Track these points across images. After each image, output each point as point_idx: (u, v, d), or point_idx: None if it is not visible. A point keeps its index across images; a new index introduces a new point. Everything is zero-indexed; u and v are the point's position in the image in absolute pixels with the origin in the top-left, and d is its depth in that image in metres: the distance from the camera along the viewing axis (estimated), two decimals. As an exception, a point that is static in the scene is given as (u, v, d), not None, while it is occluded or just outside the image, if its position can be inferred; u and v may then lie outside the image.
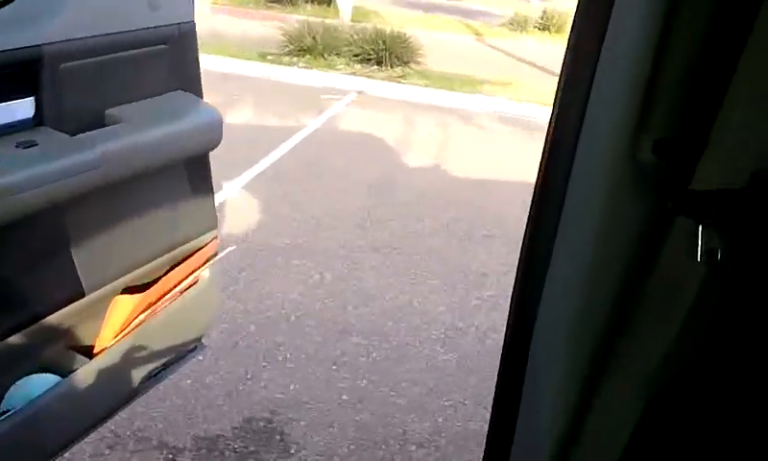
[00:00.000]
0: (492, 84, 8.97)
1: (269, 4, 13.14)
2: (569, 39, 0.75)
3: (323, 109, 7.14)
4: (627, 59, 0.66)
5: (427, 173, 5.74)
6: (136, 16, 1.59)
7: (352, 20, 11.36)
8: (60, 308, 1.53)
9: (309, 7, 13.15)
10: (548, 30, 14.92)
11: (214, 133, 1.78)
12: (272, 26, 9.96)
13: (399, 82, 8.62)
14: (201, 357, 2.87)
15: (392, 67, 8.95)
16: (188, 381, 2.79)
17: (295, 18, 10.39)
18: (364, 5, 13.11)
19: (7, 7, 1.35)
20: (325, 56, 9.03)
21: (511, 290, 3.32)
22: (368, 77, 8.64)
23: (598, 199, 0.73)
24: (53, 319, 1.52)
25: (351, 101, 7.69)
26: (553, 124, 0.78)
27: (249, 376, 2.93)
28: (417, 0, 17.15)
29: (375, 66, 8.95)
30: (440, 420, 2.80)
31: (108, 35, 1.51)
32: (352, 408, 2.80)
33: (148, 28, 1.62)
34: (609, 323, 0.79)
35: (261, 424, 2.67)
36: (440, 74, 9.09)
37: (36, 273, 1.49)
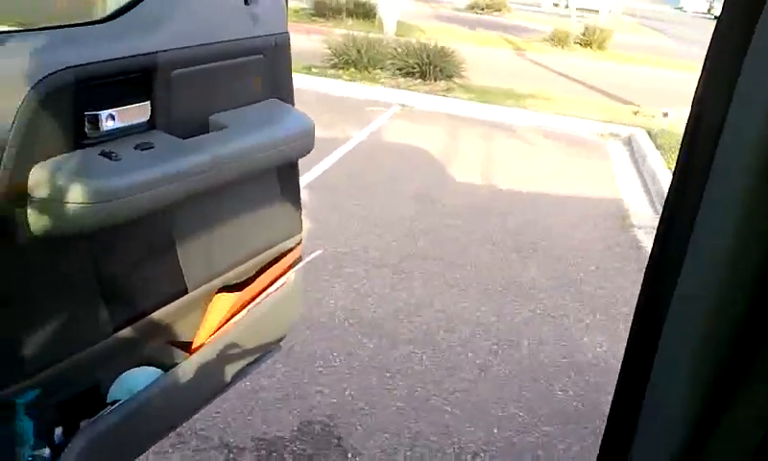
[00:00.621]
0: (534, 99, 8.95)
1: (313, 18, 13.33)
2: (712, 40, 0.76)
3: (368, 121, 7.21)
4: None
5: (473, 185, 5.75)
6: (238, 27, 1.65)
7: (396, 34, 11.46)
8: (165, 305, 1.58)
9: (351, 21, 13.30)
10: (590, 46, 14.86)
11: (307, 139, 1.83)
12: (316, 39, 10.08)
13: (443, 95, 8.65)
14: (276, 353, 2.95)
15: (435, 81, 9.00)
16: (247, 384, 2.83)
17: (338, 32, 10.51)
18: (407, 20, 13.21)
19: (125, 16, 1.42)
20: (370, 69, 9.12)
21: (558, 304, 3.35)
22: (411, 90, 8.69)
23: (735, 210, 0.73)
24: (157, 315, 1.57)
25: (395, 113, 7.75)
26: (691, 129, 0.78)
27: (305, 381, 2.96)
28: (458, 16, 17.23)
29: (419, 80, 9.01)
30: (495, 431, 2.79)
31: (214, 44, 1.57)
32: (408, 416, 2.81)
33: (249, 38, 1.68)
34: (738, 343, 0.78)
35: (318, 427, 2.69)
36: (483, 88, 9.11)
37: (146, 270, 1.54)
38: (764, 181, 0.70)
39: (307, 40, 10.60)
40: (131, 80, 1.40)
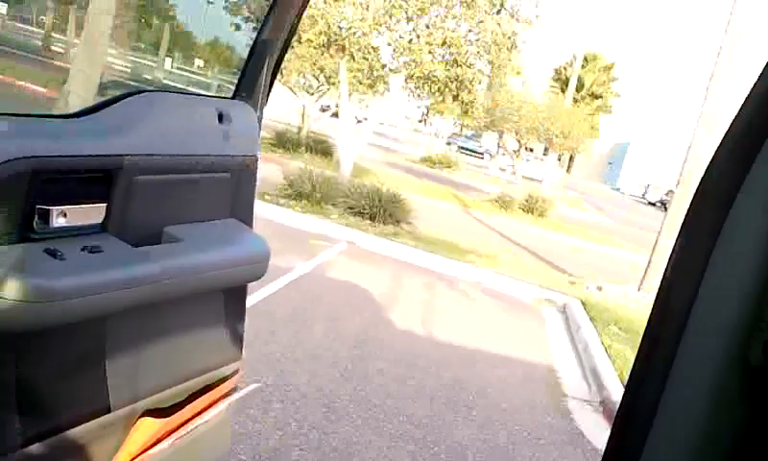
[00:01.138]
0: (477, 255, 9.19)
1: (273, 147, 13.65)
2: (682, 228, 0.77)
3: (313, 255, 7.22)
4: (742, 259, 0.69)
5: (411, 334, 5.73)
6: (209, 143, 1.65)
7: (351, 175, 11.78)
8: (84, 422, 1.46)
9: (309, 156, 13.66)
10: (531, 212, 15.57)
11: (261, 265, 1.79)
12: (273, 169, 10.26)
13: (390, 239, 8.81)
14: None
15: (384, 224, 9.19)
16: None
17: (294, 164, 10.75)
18: (363, 163, 13.64)
19: (94, 115, 1.40)
20: (322, 204, 9.27)
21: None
22: (360, 229, 8.82)
23: (701, 400, 0.73)
24: (76, 431, 1.44)
25: (342, 250, 7.80)
26: (656, 314, 0.78)
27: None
28: (412, 167, 17.91)
29: (368, 221, 9.18)
30: None
31: (182, 156, 1.56)
32: None
33: (218, 155, 1.67)
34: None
35: None
36: (428, 237, 9.33)
37: (68, 381, 1.43)
38: (726, 387, 0.70)
39: (263, 168, 10.77)
40: (89, 179, 1.36)
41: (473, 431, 4.16)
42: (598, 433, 4.58)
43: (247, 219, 1.82)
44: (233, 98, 1.82)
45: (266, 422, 3.59)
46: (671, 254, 0.79)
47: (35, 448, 1.36)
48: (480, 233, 11.41)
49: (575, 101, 36.28)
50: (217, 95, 1.83)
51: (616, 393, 5.05)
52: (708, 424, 0.73)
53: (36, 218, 1.26)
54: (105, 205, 1.39)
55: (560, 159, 35.35)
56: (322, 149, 14.56)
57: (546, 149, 30.98)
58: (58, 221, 1.29)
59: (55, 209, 1.28)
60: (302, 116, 16.04)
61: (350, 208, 9.33)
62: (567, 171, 40.68)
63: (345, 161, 12.25)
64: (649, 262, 8.91)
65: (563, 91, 36.58)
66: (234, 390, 1.91)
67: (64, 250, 1.28)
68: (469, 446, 3.96)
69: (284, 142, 14.33)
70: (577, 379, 5.67)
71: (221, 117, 1.68)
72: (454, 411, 4.38)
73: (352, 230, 8.75)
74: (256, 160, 1.81)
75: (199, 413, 1.78)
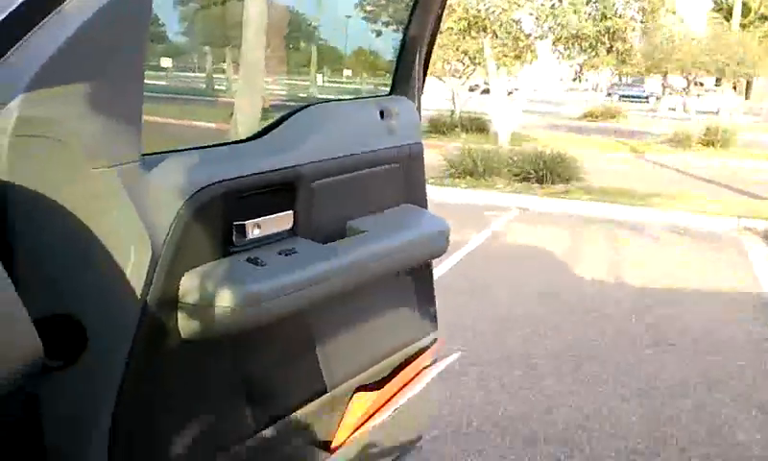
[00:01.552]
0: (659, 197, 8.67)
1: (429, 134, 13.79)
2: None
3: (486, 225, 7.20)
4: None
5: (601, 283, 5.53)
6: (375, 139, 1.76)
7: (510, 144, 11.60)
8: (305, 404, 1.61)
9: (465, 135, 13.64)
10: (712, 145, 14.37)
11: (441, 241, 1.89)
12: (432, 153, 10.36)
13: (562, 197, 8.55)
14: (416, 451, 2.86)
15: (553, 184, 8.94)
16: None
17: (453, 146, 10.76)
18: (520, 131, 13.38)
19: (269, 135, 1.56)
20: (486, 177, 9.21)
21: (709, 401, 3.06)
22: (529, 194, 8.66)
23: None
24: (297, 414, 1.60)
25: (515, 217, 7.70)
26: None
27: (436, 480, 2.83)
28: (572, 125, 17.26)
29: (536, 184, 8.98)
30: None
31: (351, 156, 1.68)
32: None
33: (384, 148, 1.78)
34: None
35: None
36: (603, 189, 8.93)
37: (287, 370, 1.59)
38: None
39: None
40: (275, 191, 1.49)
41: (688, 366, 3.93)
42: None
43: (421, 202, 1.92)
44: (390, 94, 1.93)
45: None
46: None
47: (267, 432, 1.52)
48: (658, 176, 10.74)
49: (743, 26, 33.37)
50: (375, 95, 1.95)
51: None
52: None
53: (234, 233, 1.40)
54: (291, 212, 1.52)
55: (735, 88, 32.48)
56: (476, 126, 14.48)
57: (718, 80, 28.73)
58: (253, 232, 1.42)
59: (249, 223, 1.41)
60: (452, 100, 16.03)
61: (515, 176, 9.18)
62: (746, 98, 37.19)
63: (502, 133, 12.09)
64: None
65: (726, 20, 33.63)
66: (435, 360, 2.00)
67: (263, 257, 1.42)
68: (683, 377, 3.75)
69: (439, 127, 14.41)
70: (795, 302, 5.17)
71: (382, 114, 1.78)
72: (657, 347, 4.16)
73: (521, 195, 8.61)
74: (421, 147, 1.91)
75: (406, 384, 1.89)
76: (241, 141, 1.55)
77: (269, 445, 1.54)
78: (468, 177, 9.20)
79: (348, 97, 2.21)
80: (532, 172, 9.09)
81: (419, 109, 1.95)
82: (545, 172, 9.05)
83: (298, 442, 1.66)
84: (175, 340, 1.28)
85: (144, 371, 1.24)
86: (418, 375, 1.94)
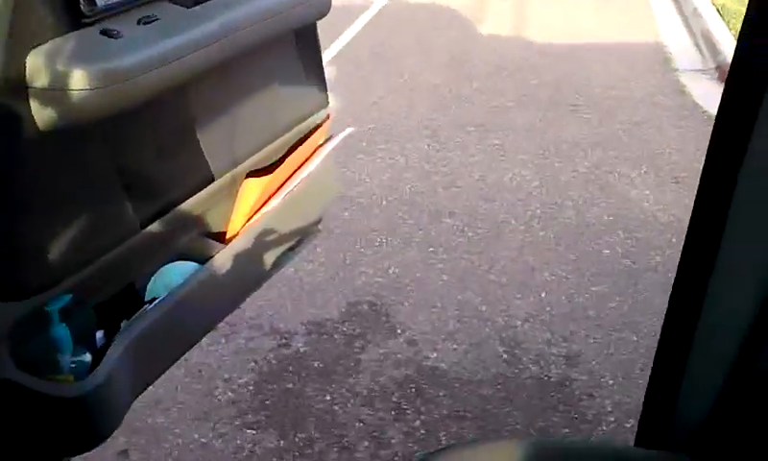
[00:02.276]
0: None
1: None
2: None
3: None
4: None
5: (505, 43, 5.48)
6: None
7: None
8: (193, 194, 1.52)
9: None
10: None
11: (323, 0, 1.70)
12: None
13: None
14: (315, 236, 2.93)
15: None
16: (291, 269, 2.84)
17: None
18: None
19: None
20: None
21: (605, 159, 3.14)
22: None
23: None
24: (186, 206, 1.51)
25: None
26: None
27: (348, 262, 2.95)
28: None
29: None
30: (543, 295, 2.77)
31: None
32: (454, 288, 2.80)
33: None
34: None
35: (365, 307, 2.71)
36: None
37: (167, 159, 1.47)
38: None
39: None
40: None
41: (587, 126, 4.09)
42: (715, 102, 4.36)
43: None
44: None
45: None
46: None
47: (153, 227, 1.44)
48: None
49: None
50: None
51: (731, 54, 4.70)
52: None
53: (81, 1, 1.21)
54: None
55: None
56: None
57: None
58: None
59: None
60: None
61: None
62: None
63: None
64: None
65: None
66: (330, 137, 1.92)
67: (120, 27, 1.24)
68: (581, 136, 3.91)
69: None
70: (688, 50, 5.31)
71: None
72: (557, 108, 4.28)
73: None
74: None
75: (301, 165, 1.81)
76: None
77: (158, 240, 1.48)
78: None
79: None
80: None
81: None
82: None
83: (190, 235, 1.61)
84: (30, 131, 1.15)
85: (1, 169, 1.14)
86: (312, 154, 1.86)
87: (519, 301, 2.74)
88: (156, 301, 1.44)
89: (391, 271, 2.91)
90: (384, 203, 3.38)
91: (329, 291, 2.79)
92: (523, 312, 2.68)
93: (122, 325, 1.38)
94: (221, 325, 2.48)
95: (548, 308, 2.70)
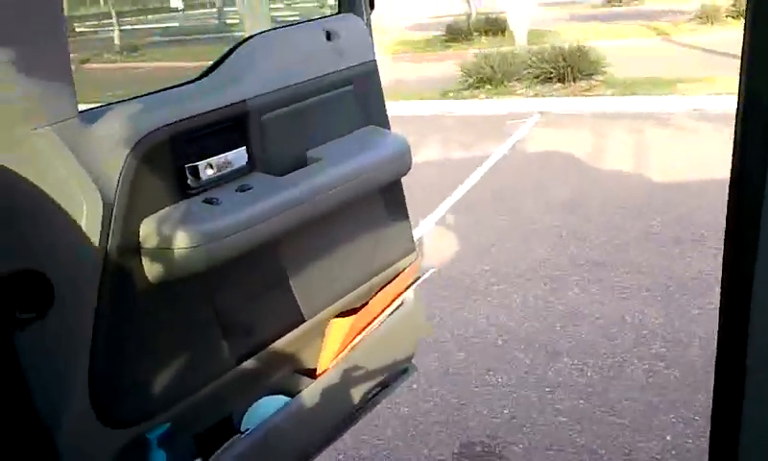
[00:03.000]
0: (685, 83, 8.39)
1: (446, 43, 13.44)
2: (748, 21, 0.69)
3: (508, 134, 7.12)
4: None
5: (624, 182, 5.48)
6: (323, 63, 1.74)
7: (528, 43, 11.25)
8: (284, 334, 1.68)
9: (484, 39, 13.27)
10: (742, 17, 13.69)
11: (404, 159, 1.89)
12: (450, 64, 10.15)
13: (584, 95, 8.36)
14: (415, 385, 2.97)
15: (575, 82, 8.72)
16: (405, 409, 2.87)
17: (472, 52, 10.50)
18: (540, 27, 12.95)
19: (214, 73, 1.57)
20: (505, 83, 9.02)
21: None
22: (551, 96, 8.48)
23: None
24: (278, 345, 1.67)
25: (536, 122, 7.58)
26: (741, 116, 0.72)
27: (462, 402, 2.94)
28: (595, 13, 16.59)
29: (558, 84, 8.77)
30: (668, 438, 2.61)
31: (300, 83, 1.67)
32: (571, 430, 2.71)
33: (334, 71, 1.76)
34: None
35: (479, 448, 2.67)
36: (626, 80, 8.69)
37: (262, 303, 1.64)
38: None
39: (441, 66, 10.71)
40: (224, 129, 1.51)
41: (711, 261, 3.94)
42: None
43: (381, 121, 1.91)
44: (338, 13, 1.89)
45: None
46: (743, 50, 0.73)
47: (247, 363, 1.60)
48: (685, 58, 10.37)
49: None
50: (320, 16, 1.90)
51: None
52: None
53: (188, 176, 1.44)
54: (244, 148, 1.55)
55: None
56: (495, 28, 14.02)
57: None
58: (206, 173, 1.47)
59: (202, 164, 1.46)
60: (468, 1, 15.51)
61: (536, 78, 8.97)
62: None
63: (518, 32, 11.71)
64: None
65: None
66: (417, 279, 2.03)
67: (219, 195, 1.47)
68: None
69: (455, 33, 13.97)
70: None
71: (329, 35, 1.75)
72: (680, 244, 4.16)
73: (542, 99, 8.44)
74: (375, 64, 1.87)
75: (386, 306, 1.93)
76: (187, 83, 1.56)
77: (252, 376, 1.62)
78: (486, 85, 9.03)
79: (291, 21, 2.20)
80: (552, 71, 8.86)
81: (369, 23, 1.90)
82: (566, 69, 8.80)
83: (282, 372, 1.75)
84: (142, 284, 1.35)
85: (114, 317, 1.32)
86: (397, 296, 1.98)
87: (642, 444, 2.59)
88: (247, 431, 1.55)
89: (506, 411, 2.87)
90: (500, 342, 3.38)
91: (443, 432, 2.78)
92: (646, 456, 2.53)
93: (214, 455, 1.50)
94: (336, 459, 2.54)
95: (673, 452, 2.53)
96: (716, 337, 3.24)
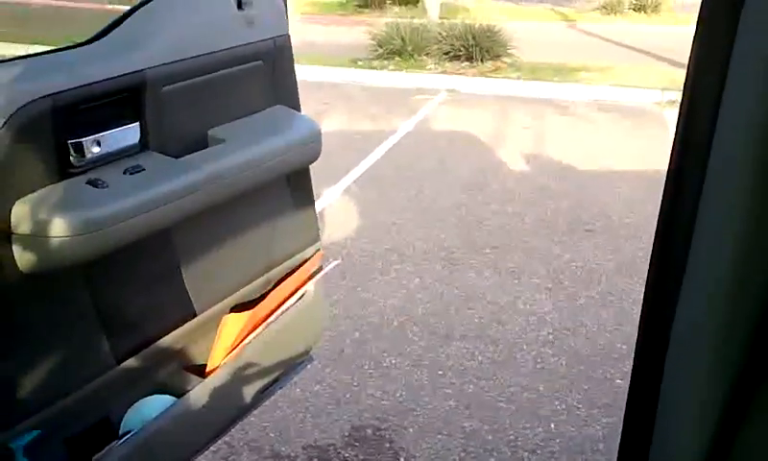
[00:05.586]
0: (588, 71, 8.67)
1: (359, 9, 13.27)
2: (697, 27, 0.68)
3: (414, 111, 7.12)
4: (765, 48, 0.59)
5: (523, 169, 5.60)
6: (232, 34, 1.59)
7: (440, 18, 11.27)
8: (173, 330, 1.56)
9: (397, 9, 13.19)
10: (644, 11, 14.28)
11: (314, 145, 1.77)
12: (361, 31, 10.02)
13: (491, 76, 8.47)
14: (308, 366, 2.93)
15: (482, 62, 8.82)
16: (297, 390, 2.82)
17: (383, 22, 10.40)
18: (452, 1, 13.00)
19: (107, 37, 1.39)
20: (415, 56, 9.01)
21: (620, 287, 3.14)
22: (458, 74, 8.54)
23: (739, 199, 0.65)
24: (166, 340, 1.55)
25: (442, 101, 7.62)
26: (683, 119, 0.71)
27: (356, 384, 2.93)
28: (505, -9, 16.84)
29: (466, 63, 8.84)
30: (552, 425, 2.70)
31: (206, 54, 1.52)
32: (461, 414, 2.75)
33: (244, 44, 1.62)
34: (758, 330, 0.70)
35: (370, 431, 2.66)
36: (532, 65, 8.87)
37: (149, 296, 1.52)
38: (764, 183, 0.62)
39: (351, 33, 10.57)
40: (116, 102, 1.36)
41: (602, 251, 4.09)
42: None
43: (291, 102, 1.78)
44: None
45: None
46: (690, 53, 0.72)
47: (129, 362, 1.47)
48: (589, 47, 10.69)
49: None
50: None
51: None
52: (750, 224, 0.66)
53: (71, 153, 1.28)
54: (138, 124, 1.39)
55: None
56: (410, -3, 13.96)
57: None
58: (93, 150, 1.31)
59: (88, 140, 1.30)
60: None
61: (445, 54, 8.99)
62: (682, -47, 36.87)
63: (431, 4, 11.71)
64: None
65: None
66: (319, 270, 1.96)
67: (106, 177, 1.31)
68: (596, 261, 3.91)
69: (369, 1, 13.86)
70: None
71: (240, 3, 1.60)
72: (573, 233, 4.30)
73: (450, 76, 8.48)
74: (288, 39, 1.74)
75: (286, 299, 1.84)
76: (76, 46, 1.39)
77: (135, 375, 1.50)
78: (396, 57, 8.98)
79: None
80: (462, 49, 8.92)
81: None
82: (475, 48, 8.88)
83: (169, 370, 1.62)
84: (11, 274, 1.20)
85: None
86: (299, 287, 1.88)
87: (527, 430, 2.67)
88: (128, 435, 1.44)
89: (398, 394, 2.88)
90: (395, 323, 3.38)
91: (334, 414, 2.76)
92: (531, 443, 2.61)
93: (93, 459, 1.38)
94: (219, 444, 2.46)
95: (557, 440, 2.62)
96: (601, 328, 3.34)
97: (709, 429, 0.78)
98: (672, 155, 0.77)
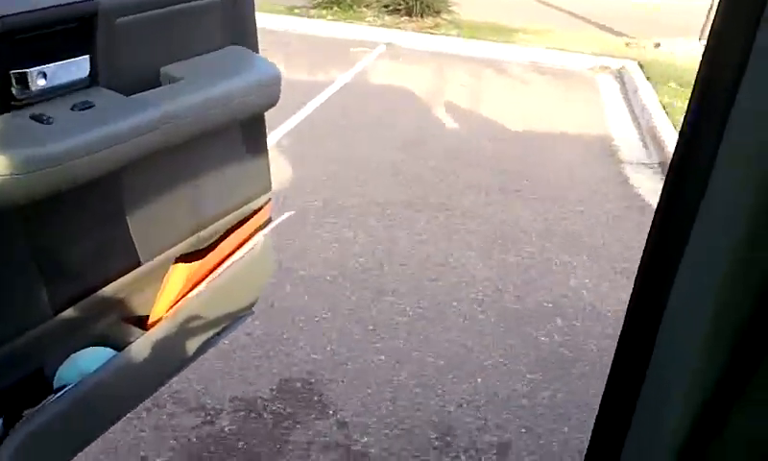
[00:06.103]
0: (525, 32, 8.71)
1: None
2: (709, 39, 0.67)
3: (352, 63, 7.01)
4: None
5: (458, 127, 5.61)
6: None
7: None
8: (116, 279, 1.48)
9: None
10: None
11: (272, 89, 1.68)
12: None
13: (430, 32, 8.41)
14: (248, 318, 2.88)
15: (422, 17, 8.74)
16: (225, 342, 2.77)
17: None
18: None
19: None
20: (354, 8, 8.85)
21: (548, 246, 3.18)
22: (398, 28, 8.45)
23: (741, 201, 0.65)
24: (108, 290, 1.47)
25: (380, 54, 7.53)
26: (688, 126, 0.70)
27: (285, 337, 2.90)
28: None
29: (405, 17, 8.75)
30: (479, 380, 2.75)
31: None
32: (391, 369, 2.77)
33: None
34: (742, 343, 0.70)
35: (299, 384, 2.65)
36: (472, 23, 8.85)
37: (92, 242, 1.43)
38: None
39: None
40: (65, 31, 1.25)
41: (531, 211, 4.16)
42: (656, 195, 4.50)
43: (250, 43, 1.70)
44: None
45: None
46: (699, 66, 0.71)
47: (68, 312, 1.39)
48: (529, 8, 10.74)
49: None
50: None
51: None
52: (739, 265, 0.65)
53: (13, 84, 1.18)
54: (88, 56, 1.29)
55: None
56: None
57: None
58: (38, 83, 1.21)
59: (32, 71, 1.20)
60: None
61: (385, 7, 8.88)
62: None
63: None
64: (710, 7, 8.24)
65: None
66: (269, 221, 1.90)
67: (52, 112, 1.22)
68: (529, 222, 3.97)
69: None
70: (635, 144, 5.50)
71: None
72: (505, 193, 4.36)
73: (389, 30, 8.38)
74: None
75: (235, 249, 1.78)
76: None
77: (73, 325, 1.42)
78: (335, 7, 8.80)
79: None
80: (401, 3, 8.81)
81: None
82: (415, 3, 8.79)
83: (109, 321, 1.55)
84: None
85: None
86: (248, 238, 1.83)
87: (455, 385, 2.71)
88: (64, 390, 1.37)
89: (329, 348, 2.87)
90: (328, 278, 3.36)
91: (263, 367, 2.73)
92: (458, 397, 2.65)
93: (24, 414, 1.31)
94: (144, 398, 2.40)
95: (483, 394, 2.67)
96: (535, 286, 3.35)
97: (697, 404, 0.77)
98: (683, 125, 0.75)
